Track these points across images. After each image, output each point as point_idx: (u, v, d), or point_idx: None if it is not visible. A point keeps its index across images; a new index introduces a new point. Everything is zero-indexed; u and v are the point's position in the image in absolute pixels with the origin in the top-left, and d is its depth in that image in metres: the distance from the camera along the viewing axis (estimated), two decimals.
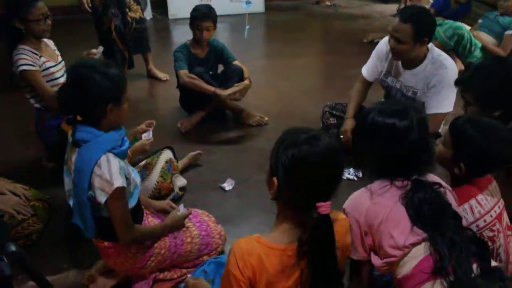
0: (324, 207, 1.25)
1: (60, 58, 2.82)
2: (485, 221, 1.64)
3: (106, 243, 1.88)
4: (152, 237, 1.96)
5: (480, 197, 1.66)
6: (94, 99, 1.69)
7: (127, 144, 1.84)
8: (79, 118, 1.78)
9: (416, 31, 2.45)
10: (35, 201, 2.39)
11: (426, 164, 1.54)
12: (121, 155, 1.79)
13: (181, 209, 2.12)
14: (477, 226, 1.64)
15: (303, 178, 1.29)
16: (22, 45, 2.63)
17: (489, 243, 1.64)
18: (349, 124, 2.82)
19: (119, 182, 1.68)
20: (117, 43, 3.96)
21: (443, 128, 2.55)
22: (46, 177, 2.82)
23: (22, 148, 3.23)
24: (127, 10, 4.03)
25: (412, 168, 1.51)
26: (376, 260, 1.50)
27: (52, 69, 2.70)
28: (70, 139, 1.78)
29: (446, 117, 2.63)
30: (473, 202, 1.65)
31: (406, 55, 2.58)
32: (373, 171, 1.61)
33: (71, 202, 1.82)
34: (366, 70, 2.93)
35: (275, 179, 1.32)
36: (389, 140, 1.50)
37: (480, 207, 1.65)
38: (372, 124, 1.53)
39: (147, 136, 2.48)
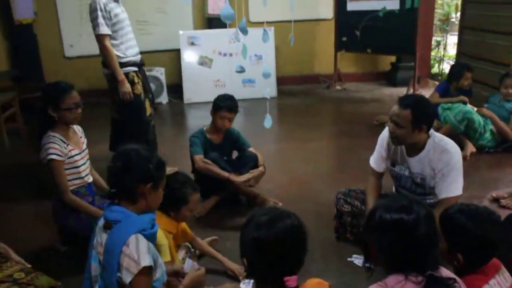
0: (290, 281, 1.39)
1: (84, 146, 2.92)
2: None
3: None
4: None
5: (492, 281, 1.63)
6: (139, 175, 1.80)
7: (156, 228, 1.88)
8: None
9: (414, 118, 2.51)
10: None
11: (437, 258, 1.54)
12: (151, 238, 1.81)
13: (188, 262, 2.11)
14: None
15: (264, 257, 1.43)
16: (53, 133, 2.74)
17: None
18: None
19: (146, 261, 1.69)
20: (151, 131, 4.03)
21: None
22: (59, 262, 2.81)
23: (37, 230, 3.24)
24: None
25: (423, 262, 1.50)
26: None
27: (76, 157, 2.79)
28: (101, 223, 1.83)
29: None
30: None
31: (405, 140, 2.62)
32: (385, 266, 1.60)
33: (97, 286, 1.82)
34: (374, 161, 2.94)
35: (244, 259, 1.47)
36: (398, 236, 1.51)
37: None
38: (380, 221, 1.55)
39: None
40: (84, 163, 2.85)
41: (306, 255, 1.49)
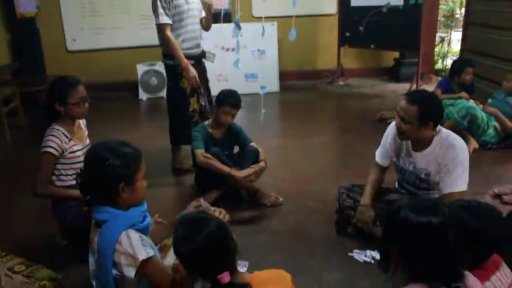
0: (223, 278, 1.51)
1: (88, 141, 2.92)
2: None
3: None
4: None
5: (487, 284, 1.61)
6: (103, 179, 1.73)
7: (148, 219, 1.86)
8: None
9: (421, 114, 2.50)
10: (46, 280, 2.34)
11: (463, 266, 1.46)
12: (143, 231, 1.80)
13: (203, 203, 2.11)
14: None
15: (193, 265, 1.59)
16: (57, 125, 2.74)
17: None
18: (367, 213, 2.80)
19: (143, 255, 1.70)
20: (191, 126, 3.94)
21: None
22: (59, 255, 2.82)
23: (37, 224, 3.24)
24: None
25: (450, 271, 1.43)
26: None
27: (78, 153, 2.79)
28: (94, 221, 1.82)
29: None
30: (487, 284, 1.60)
31: (411, 136, 2.62)
32: (407, 270, 1.51)
33: (94, 283, 1.83)
34: (379, 156, 2.96)
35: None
36: (424, 240, 1.42)
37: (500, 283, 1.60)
38: (405, 223, 1.45)
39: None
40: None
41: (235, 251, 1.61)
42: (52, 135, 2.70)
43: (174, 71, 3.86)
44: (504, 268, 1.71)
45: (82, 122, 2.97)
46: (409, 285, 1.44)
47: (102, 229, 1.73)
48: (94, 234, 1.80)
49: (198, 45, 3.95)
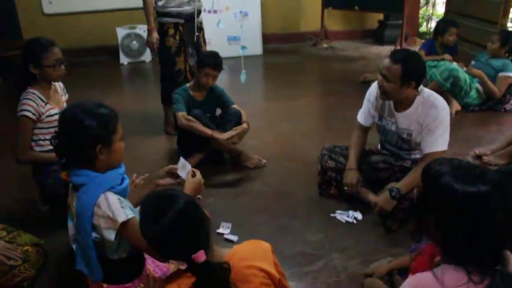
0: (198, 257, 1.38)
1: (65, 105, 2.85)
2: None
3: (105, 285, 1.83)
4: None
5: None
6: (80, 141, 1.68)
7: (127, 181, 1.83)
8: None
9: (404, 73, 2.49)
10: (29, 246, 2.33)
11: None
12: (121, 193, 1.77)
13: (181, 161, 2.06)
14: None
15: (165, 247, 1.45)
16: (32, 89, 2.67)
17: None
18: (354, 176, 2.82)
19: (122, 217, 1.66)
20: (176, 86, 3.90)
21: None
22: (41, 221, 2.79)
23: (17, 190, 3.20)
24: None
25: (493, 253, 1.25)
26: None
27: (55, 116, 2.71)
28: (71, 184, 1.78)
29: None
30: None
31: (393, 95, 2.61)
32: (442, 247, 1.34)
33: (74, 247, 1.81)
34: (361, 116, 2.96)
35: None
36: (469, 213, 1.23)
37: None
38: (447, 190, 1.26)
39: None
40: None
41: (208, 229, 1.48)
42: (28, 99, 2.63)
43: (160, 29, 3.83)
44: None
45: (59, 86, 2.89)
46: (444, 270, 1.27)
47: (79, 192, 1.70)
48: (72, 198, 1.76)
49: (188, 3, 3.83)
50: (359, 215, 2.81)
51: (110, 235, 1.67)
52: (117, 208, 1.67)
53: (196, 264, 1.39)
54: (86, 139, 1.68)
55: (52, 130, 2.70)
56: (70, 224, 1.83)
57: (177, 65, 3.90)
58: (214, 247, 1.52)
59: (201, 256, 1.39)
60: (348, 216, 2.81)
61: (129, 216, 1.68)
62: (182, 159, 2.10)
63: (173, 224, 1.40)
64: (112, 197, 1.69)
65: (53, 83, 2.79)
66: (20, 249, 2.24)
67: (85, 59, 6.81)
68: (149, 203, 1.48)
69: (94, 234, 1.69)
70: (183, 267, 1.44)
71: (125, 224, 1.66)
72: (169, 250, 1.45)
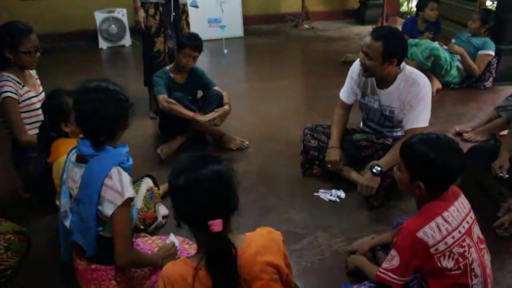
0: (214, 225, 1.30)
1: (41, 88, 2.83)
2: (453, 237, 1.64)
3: (93, 266, 1.82)
4: (147, 264, 1.91)
5: (446, 214, 1.66)
6: (119, 113, 1.76)
7: (131, 161, 1.84)
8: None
9: (385, 50, 2.50)
10: (11, 234, 2.30)
11: None
12: (128, 171, 1.79)
13: (172, 238, 2.10)
14: (446, 243, 1.63)
15: (189, 199, 1.35)
16: (6, 73, 2.63)
17: (460, 260, 1.64)
18: (336, 154, 2.84)
19: (130, 192, 1.70)
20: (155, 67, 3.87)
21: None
22: (23, 209, 2.76)
23: None
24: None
25: None
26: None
27: (33, 99, 2.70)
28: (73, 158, 1.79)
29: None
30: (439, 220, 1.65)
31: (375, 73, 2.62)
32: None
33: (67, 223, 1.80)
34: (344, 93, 2.96)
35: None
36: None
37: (447, 224, 1.65)
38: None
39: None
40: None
41: (236, 205, 1.40)
42: (5, 81, 2.59)
43: (142, 9, 3.82)
44: (462, 198, 1.76)
45: (33, 71, 2.85)
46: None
47: (90, 162, 1.71)
48: (72, 170, 1.77)
49: None
50: (342, 194, 2.84)
51: (109, 210, 1.67)
52: (127, 183, 1.70)
53: (207, 233, 1.32)
54: (123, 111, 1.78)
55: (32, 113, 2.67)
56: (64, 200, 1.82)
57: (155, 46, 3.87)
58: (231, 229, 1.44)
59: (218, 225, 1.31)
60: (331, 195, 2.83)
61: (134, 195, 1.73)
62: (172, 236, 2.14)
63: (209, 177, 1.34)
64: (124, 173, 1.72)
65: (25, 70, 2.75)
66: (1, 237, 2.22)
67: (62, 45, 6.71)
68: (191, 156, 1.42)
69: (98, 206, 1.69)
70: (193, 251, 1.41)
71: (129, 201, 1.69)
72: (194, 204, 1.35)
